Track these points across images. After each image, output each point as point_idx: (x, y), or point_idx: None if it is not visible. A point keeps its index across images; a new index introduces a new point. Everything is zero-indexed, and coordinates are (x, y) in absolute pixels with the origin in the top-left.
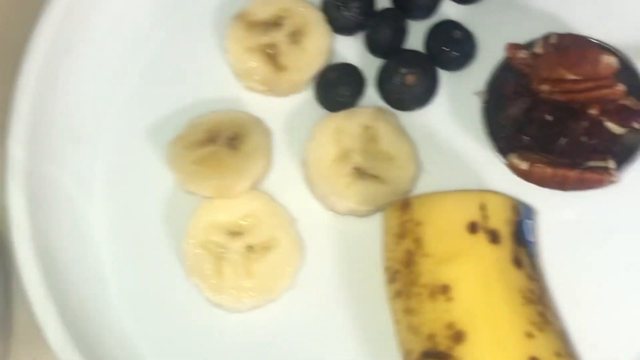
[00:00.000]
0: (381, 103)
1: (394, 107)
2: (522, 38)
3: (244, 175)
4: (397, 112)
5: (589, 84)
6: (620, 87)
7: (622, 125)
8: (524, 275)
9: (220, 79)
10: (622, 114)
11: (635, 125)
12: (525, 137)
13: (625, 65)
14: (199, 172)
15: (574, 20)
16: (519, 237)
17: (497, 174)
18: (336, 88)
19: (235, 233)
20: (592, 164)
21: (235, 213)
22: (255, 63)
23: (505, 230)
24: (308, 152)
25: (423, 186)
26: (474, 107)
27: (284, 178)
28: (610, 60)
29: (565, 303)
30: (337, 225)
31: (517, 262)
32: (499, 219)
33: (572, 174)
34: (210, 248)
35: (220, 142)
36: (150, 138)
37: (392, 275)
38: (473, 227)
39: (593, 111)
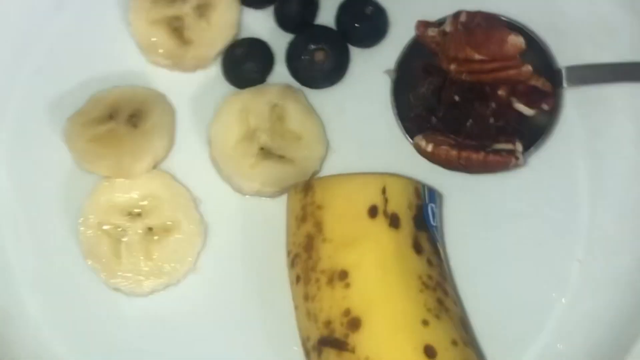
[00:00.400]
0: (290, 80)
1: (303, 84)
2: (436, 15)
3: (142, 154)
4: (306, 90)
5: (496, 65)
6: (527, 68)
7: (531, 106)
8: (424, 261)
9: (125, 53)
10: (532, 95)
11: (544, 106)
12: (433, 117)
13: (535, 45)
14: (95, 150)
15: None
16: (421, 221)
17: (406, 155)
18: (243, 64)
19: (134, 214)
20: (499, 146)
21: (134, 194)
22: (160, 37)
23: (406, 214)
24: (212, 131)
25: (331, 166)
26: (386, 86)
27: (189, 157)
28: (516, 41)
29: (469, 287)
30: (244, 207)
31: (417, 248)
32: (400, 203)
33: (477, 156)
34: (108, 230)
35: (119, 120)
36: (51, 113)
37: (293, 260)
38: (373, 212)
39: (502, 92)
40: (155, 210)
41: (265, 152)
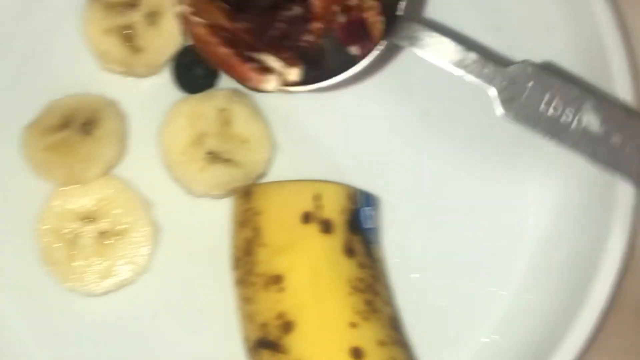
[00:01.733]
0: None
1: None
2: None
3: (94, 161)
4: (253, 93)
5: None
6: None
7: (344, 43)
8: (355, 264)
9: (80, 60)
10: (352, 32)
11: (353, 50)
12: None
13: None
14: (49, 159)
15: None
16: (355, 225)
17: (354, 156)
18: (192, 69)
19: (87, 219)
20: (267, 58)
21: (87, 199)
22: (112, 45)
23: (338, 220)
24: (162, 136)
25: (280, 168)
26: None
27: (142, 162)
28: None
29: (408, 285)
30: (195, 208)
31: (349, 251)
32: (333, 209)
33: (224, 51)
34: (63, 234)
35: (73, 128)
36: (7, 122)
37: (235, 263)
38: (307, 218)
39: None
40: (108, 214)
41: (213, 156)
